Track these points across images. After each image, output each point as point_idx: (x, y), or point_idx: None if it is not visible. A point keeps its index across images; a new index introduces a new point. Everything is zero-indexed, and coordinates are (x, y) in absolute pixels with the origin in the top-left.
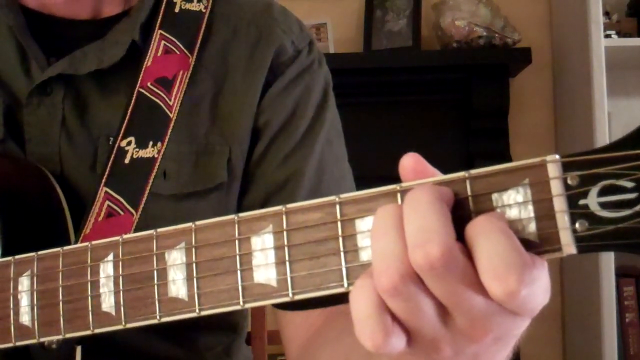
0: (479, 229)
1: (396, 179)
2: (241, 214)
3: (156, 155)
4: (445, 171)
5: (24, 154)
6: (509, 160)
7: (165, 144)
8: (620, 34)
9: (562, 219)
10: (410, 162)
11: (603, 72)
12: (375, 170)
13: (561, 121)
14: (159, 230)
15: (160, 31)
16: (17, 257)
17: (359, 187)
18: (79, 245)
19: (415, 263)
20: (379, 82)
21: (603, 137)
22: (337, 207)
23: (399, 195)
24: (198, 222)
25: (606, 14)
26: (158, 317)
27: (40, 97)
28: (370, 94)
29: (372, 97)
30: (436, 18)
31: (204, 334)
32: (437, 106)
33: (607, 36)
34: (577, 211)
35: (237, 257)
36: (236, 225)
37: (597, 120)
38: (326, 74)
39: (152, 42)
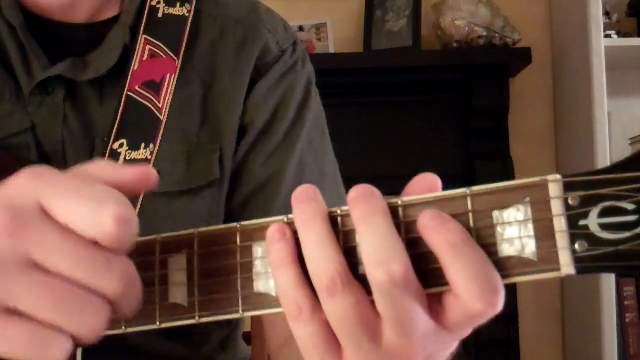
0: (447, 244)
1: (396, 179)
2: (243, 223)
3: (149, 157)
4: (445, 171)
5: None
6: (509, 160)
7: (157, 145)
8: (620, 34)
9: (562, 239)
10: (424, 184)
11: (603, 72)
12: (374, 170)
13: (561, 121)
14: (161, 235)
15: (144, 36)
16: None
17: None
18: None
19: (377, 281)
20: (379, 82)
21: (603, 137)
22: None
23: (400, 210)
24: (200, 229)
25: (606, 14)
26: (158, 322)
27: (42, 97)
28: (370, 94)
29: (372, 97)
30: (436, 18)
31: (199, 329)
32: (437, 106)
33: (607, 36)
34: (577, 232)
35: (238, 265)
36: (238, 234)
37: (597, 120)
38: (309, 72)
39: (138, 47)
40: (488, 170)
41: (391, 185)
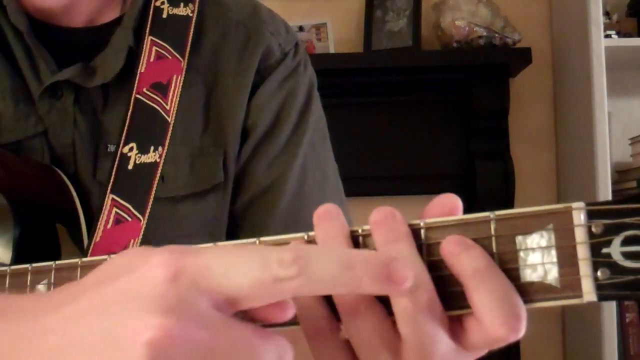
0: (471, 270)
1: (396, 179)
2: (262, 238)
3: (158, 160)
4: (445, 171)
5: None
6: (509, 160)
7: (166, 148)
8: (620, 34)
9: (585, 267)
10: (446, 206)
11: (603, 72)
12: (374, 170)
13: (561, 121)
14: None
15: (150, 37)
16: (34, 265)
17: (359, 186)
18: (97, 257)
19: (402, 307)
20: (379, 82)
21: (603, 137)
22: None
23: (422, 232)
24: (219, 244)
25: (606, 14)
26: None
27: (51, 101)
28: (370, 94)
29: (372, 97)
30: (436, 18)
31: None
32: (437, 106)
33: (607, 36)
34: (599, 259)
35: None
36: None
37: (597, 120)
38: (311, 75)
39: (144, 49)
40: (488, 170)
41: (391, 185)
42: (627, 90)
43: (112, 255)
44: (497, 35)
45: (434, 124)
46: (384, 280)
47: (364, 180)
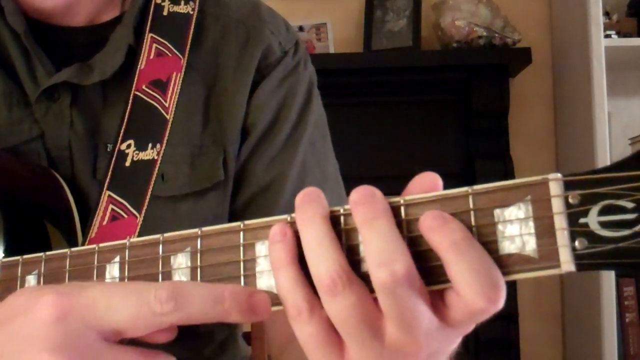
0: (449, 243)
1: (396, 179)
2: (247, 221)
3: (156, 157)
4: (445, 171)
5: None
6: (509, 160)
7: (164, 145)
8: (620, 34)
9: (562, 237)
10: (425, 183)
11: (603, 72)
12: (374, 170)
13: (561, 121)
14: (165, 235)
15: (150, 34)
16: (25, 256)
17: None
18: (86, 247)
19: (380, 281)
20: (379, 82)
21: (603, 137)
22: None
23: (402, 209)
24: (204, 229)
25: (606, 14)
26: None
27: (47, 103)
28: (370, 94)
29: (372, 97)
30: (436, 18)
31: (204, 329)
32: (437, 106)
33: (607, 36)
34: (577, 229)
35: (241, 263)
36: (241, 233)
37: (597, 120)
38: (311, 74)
39: (144, 46)
40: (488, 170)
41: (391, 185)
42: (627, 90)
43: (101, 245)
44: (497, 35)
45: (434, 124)
46: (248, 312)
47: (364, 180)
